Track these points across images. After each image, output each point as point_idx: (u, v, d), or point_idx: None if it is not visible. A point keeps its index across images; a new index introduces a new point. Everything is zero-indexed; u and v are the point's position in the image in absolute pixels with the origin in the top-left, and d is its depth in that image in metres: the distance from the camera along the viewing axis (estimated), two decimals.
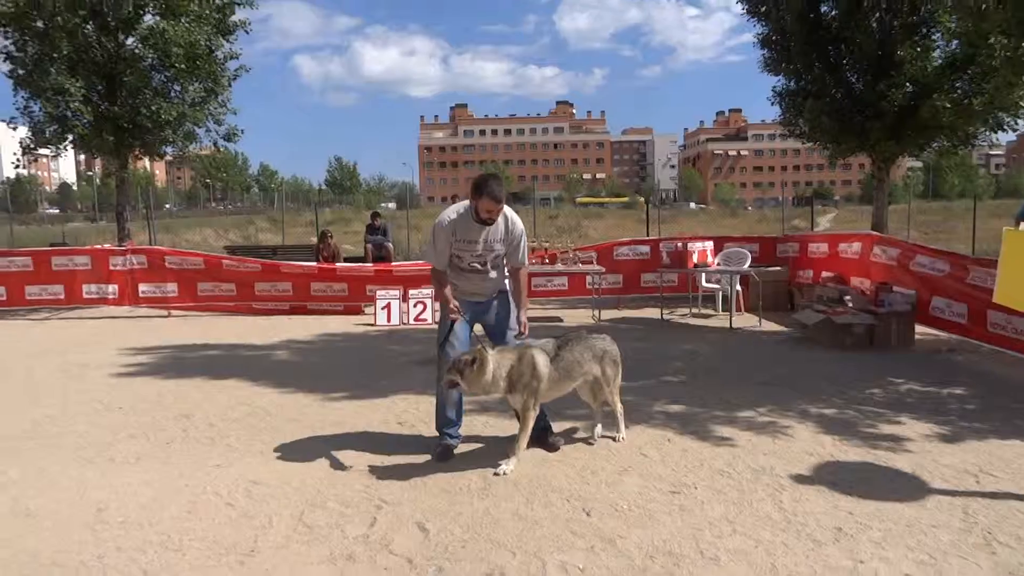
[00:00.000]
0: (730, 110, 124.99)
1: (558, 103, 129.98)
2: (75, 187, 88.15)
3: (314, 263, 11.38)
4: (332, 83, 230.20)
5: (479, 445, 4.47)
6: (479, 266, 4.17)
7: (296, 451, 4.42)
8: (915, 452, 4.20)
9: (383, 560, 3.02)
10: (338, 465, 4.14)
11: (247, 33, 12.41)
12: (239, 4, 12.04)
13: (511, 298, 4.33)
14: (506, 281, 4.35)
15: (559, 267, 9.90)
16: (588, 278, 10.34)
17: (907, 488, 3.67)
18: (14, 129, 12.13)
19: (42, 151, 12.20)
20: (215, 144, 13.06)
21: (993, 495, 3.57)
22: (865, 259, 8.70)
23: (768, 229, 25.71)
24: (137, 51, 11.43)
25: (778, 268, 10.23)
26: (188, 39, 10.96)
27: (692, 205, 76.27)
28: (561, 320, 9.75)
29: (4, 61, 11.38)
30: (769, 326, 8.85)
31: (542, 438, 4.32)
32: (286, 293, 10.58)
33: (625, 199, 76.79)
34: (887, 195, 12.42)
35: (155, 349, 8.03)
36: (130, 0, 10.95)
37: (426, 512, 3.47)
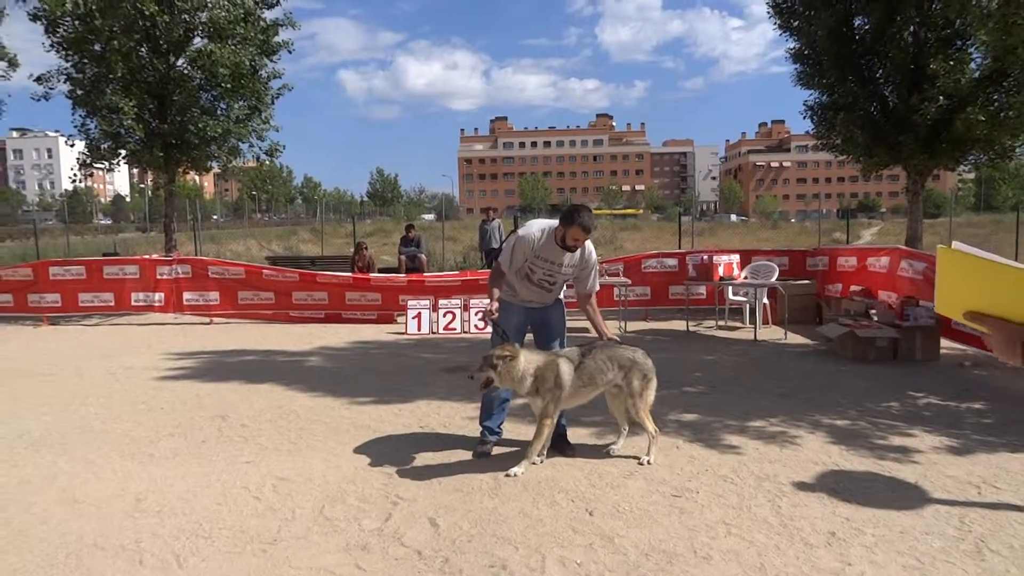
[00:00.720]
0: (773, 121, 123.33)
1: (598, 115, 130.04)
2: (128, 199, 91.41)
3: (349, 273, 11.74)
4: (376, 97, 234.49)
5: (497, 448, 4.66)
6: (547, 284, 4.42)
7: (321, 451, 4.68)
8: (921, 463, 4.25)
9: (395, 551, 3.24)
10: (359, 464, 4.38)
11: (290, 53, 12.95)
12: (282, 25, 12.57)
13: (590, 323, 4.56)
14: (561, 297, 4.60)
15: None
16: (615, 290, 10.46)
17: (907, 497, 3.75)
18: (72, 145, 12.83)
19: (97, 166, 12.90)
20: (258, 159, 13.61)
21: (993, 506, 3.62)
22: (893, 273, 8.66)
23: (807, 241, 25.40)
24: (186, 72, 12.03)
25: (806, 282, 10.22)
26: (234, 60, 11.50)
27: (733, 217, 75.44)
28: (588, 331, 9.86)
29: (64, 82, 12.09)
30: (794, 339, 8.86)
31: (558, 444, 4.49)
32: (322, 302, 10.96)
33: (639, 211, 76.19)
34: (921, 208, 12.26)
35: (196, 354, 8.44)
36: (181, 24, 11.55)
37: (438, 509, 3.68)
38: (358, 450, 4.67)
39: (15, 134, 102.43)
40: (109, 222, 64.67)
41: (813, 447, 4.59)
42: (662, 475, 4.10)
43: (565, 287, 4.66)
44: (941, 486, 3.88)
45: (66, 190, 66.75)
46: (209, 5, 11.41)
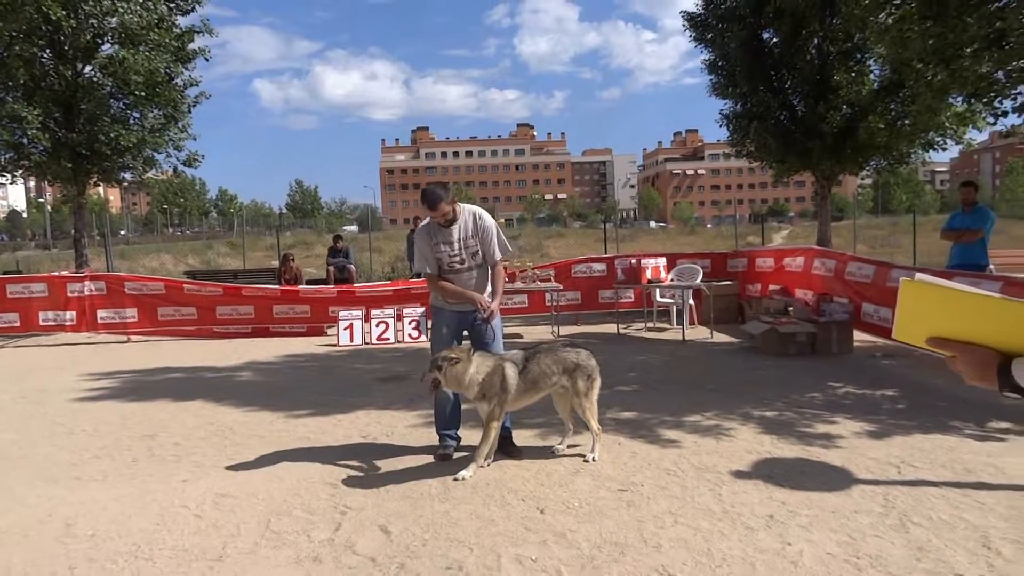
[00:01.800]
0: (687, 131, 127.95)
1: (519, 125, 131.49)
2: (24, 214, 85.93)
3: (276, 286, 11.44)
4: (293, 107, 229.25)
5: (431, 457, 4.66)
6: (458, 264, 4.42)
7: (262, 465, 4.56)
8: (845, 448, 4.53)
9: (347, 560, 3.20)
10: (303, 476, 4.30)
11: (206, 60, 12.55)
12: (198, 32, 12.17)
13: (491, 294, 4.53)
14: (494, 297, 4.56)
15: (518, 285, 10.16)
16: (547, 295, 10.62)
17: (836, 479, 3.98)
18: None
19: None
20: (175, 170, 13.10)
21: (912, 483, 3.90)
22: (807, 272, 9.16)
23: (723, 245, 26.43)
24: (95, 79, 11.47)
25: (729, 282, 10.66)
26: (148, 67, 11.04)
27: (652, 224, 77.64)
28: (521, 336, 9.99)
29: None
30: (720, 338, 9.22)
31: (504, 446, 4.53)
32: (248, 316, 10.64)
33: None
34: (830, 211, 13.03)
35: (116, 374, 8.04)
36: (88, 30, 11.02)
37: (388, 516, 3.65)
38: (300, 462, 4.57)
39: None
40: (5, 239, 60.60)
41: (746, 437, 4.81)
42: (607, 471, 4.21)
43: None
44: (865, 467, 4.14)
45: None
46: (120, 10, 10.91)
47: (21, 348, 10.49)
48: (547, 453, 4.59)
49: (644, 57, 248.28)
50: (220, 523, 3.64)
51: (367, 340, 9.82)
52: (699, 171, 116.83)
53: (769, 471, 4.12)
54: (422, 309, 10.09)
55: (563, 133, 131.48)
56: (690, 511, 3.58)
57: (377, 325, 9.92)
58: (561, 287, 10.30)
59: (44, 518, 3.78)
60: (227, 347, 9.80)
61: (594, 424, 4.44)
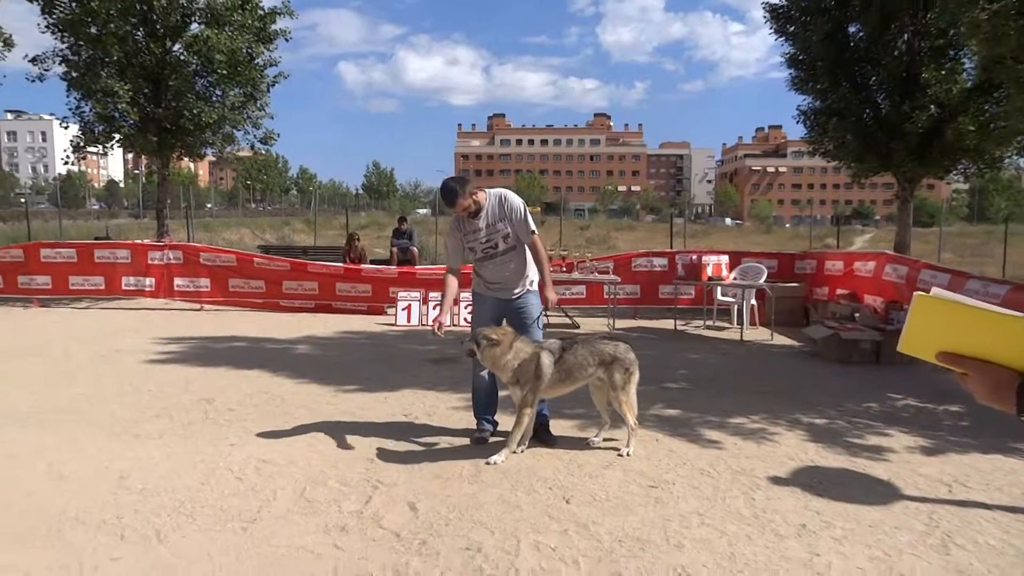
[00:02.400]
0: (770, 126, 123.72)
1: (596, 115, 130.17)
2: (122, 184, 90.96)
3: (341, 264, 11.76)
4: (375, 90, 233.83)
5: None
6: (492, 249, 4.43)
7: (305, 435, 4.73)
8: (895, 462, 4.33)
9: (372, 532, 3.29)
10: (342, 449, 4.43)
11: (287, 41, 12.97)
12: (280, 14, 12.58)
13: (537, 281, 4.54)
14: (532, 281, 4.55)
15: (576, 275, 10.12)
16: (605, 288, 10.53)
17: (879, 493, 3.82)
18: (66, 128, 12.80)
19: (90, 149, 12.87)
20: (252, 147, 13.62)
21: (962, 503, 3.70)
22: (878, 278, 8.77)
23: (799, 246, 25.51)
24: (182, 57, 12.02)
25: (795, 284, 10.31)
26: (230, 46, 11.49)
27: (727, 221, 75.72)
28: (578, 327, 9.96)
29: (60, 64, 12.06)
30: (781, 340, 8.95)
31: (540, 434, 4.55)
32: (312, 292, 10.98)
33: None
34: (911, 216, 12.39)
35: (185, 339, 8.46)
36: (178, 9, 11.54)
37: (418, 493, 3.73)
38: (342, 435, 4.71)
39: (10, 116, 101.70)
40: (102, 207, 64.37)
41: (791, 444, 4.67)
42: (640, 466, 4.17)
43: (526, 266, 4.53)
44: (913, 483, 3.96)
45: (59, 174, 66.40)
46: None
47: (104, 310, 11.16)
48: (582, 444, 4.58)
49: (730, 49, 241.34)
50: (258, 487, 3.80)
51: (424, 321, 9.98)
52: (780, 168, 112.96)
53: (809, 480, 3.99)
54: None
55: (640, 125, 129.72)
56: (719, 513, 3.51)
57: (434, 307, 10.05)
58: (619, 280, 10.19)
59: (101, 469, 4.04)
60: (290, 320, 10.15)
61: (630, 419, 4.40)
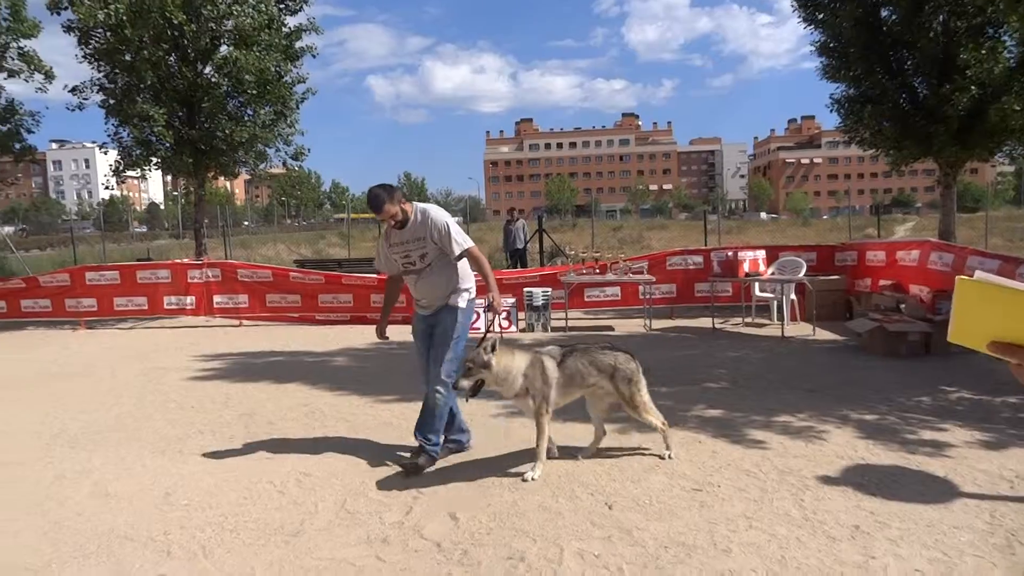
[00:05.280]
0: (802, 117, 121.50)
1: (624, 115, 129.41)
2: (162, 206, 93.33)
3: (375, 275, 11.83)
4: (404, 101, 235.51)
5: (513, 445, 4.67)
6: (410, 265, 4.31)
7: (345, 447, 4.74)
8: (952, 457, 4.16)
9: (414, 543, 3.27)
10: (381, 460, 4.43)
11: (314, 57, 13.14)
12: (305, 31, 12.77)
13: (466, 298, 4.35)
14: (459, 295, 4.31)
15: (610, 277, 10.02)
16: (640, 288, 10.41)
17: (935, 491, 3.67)
18: (105, 153, 13.16)
19: (129, 173, 13.21)
20: (284, 163, 13.83)
21: None
22: (923, 266, 8.50)
23: (839, 238, 24.96)
24: (213, 79, 12.26)
25: (835, 277, 10.05)
26: (259, 66, 11.69)
27: (762, 215, 74.53)
28: (612, 329, 9.87)
29: (97, 92, 12.42)
30: (823, 335, 8.72)
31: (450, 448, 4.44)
32: (347, 304, 11.07)
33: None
34: (955, 202, 11.99)
35: (225, 355, 8.59)
36: (207, 32, 11.79)
37: (458, 503, 3.70)
38: (381, 446, 4.72)
39: (54, 145, 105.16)
40: (144, 229, 66.13)
41: (839, 442, 4.52)
42: (683, 469, 4.08)
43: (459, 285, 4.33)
44: (972, 480, 3.80)
45: (102, 199, 68.44)
46: (234, 13, 11.62)
47: (148, 329, 11.41)
48: (619, 447, 4.49)
49: (759, 41, 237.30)
50: (300, 500, 3.82)
51: (490, 327, 9.95)
52: (815, 159, 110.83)
53: (860, 478, 3.86)
54: (513, 300, 10.14)
55: (669, 122, 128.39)
56: (767, 516, 3.41)
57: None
58: (654, 279, 10.06)
59: (147, 486, 4.10)
60: (327, 333, 10.24)
61: (656, 422, 4.25)
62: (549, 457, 4.17)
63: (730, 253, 9.47)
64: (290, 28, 12.62)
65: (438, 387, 4.19)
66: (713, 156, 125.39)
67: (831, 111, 12.30)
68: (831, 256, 10.76)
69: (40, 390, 6.94)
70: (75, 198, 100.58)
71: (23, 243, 35.33)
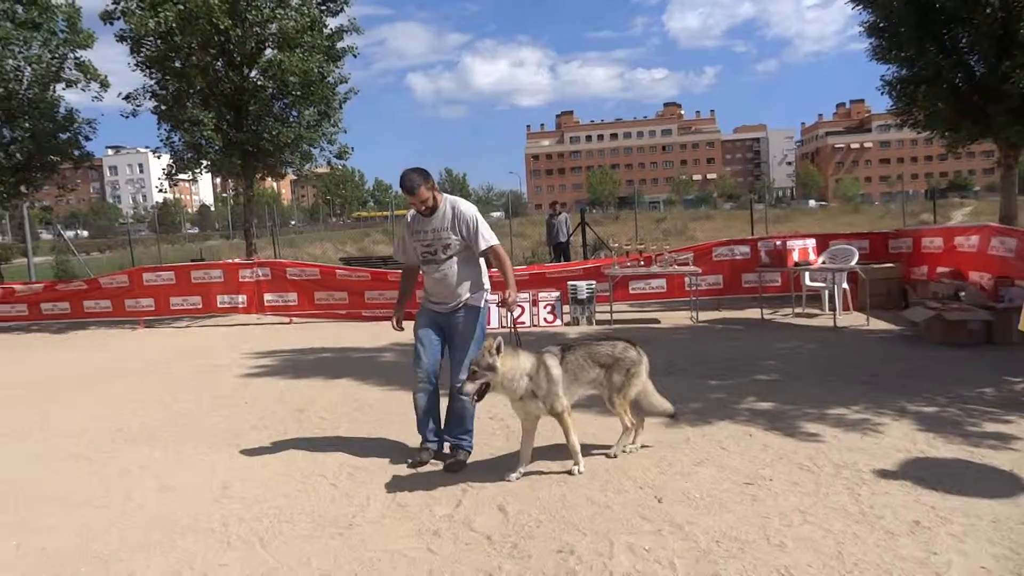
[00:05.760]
0: (852, 101, 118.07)
1: (665, 105, 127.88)
2: (212, 208, 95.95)
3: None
4: (444, 97, 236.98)
5: (560, 439, 4.67)
6: (431, 255, 4.24)
7: (395, 440, 4.82)
8: (1019, 451, 4.00)
9: (464, 536, 3.30)
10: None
11: (355, 57, 13.30)
12: (347, 31, 12.93)
13: (484, 298, 4.35)
14: (479, 294, 4.32)
15: (654, 269, 9.91)
16: (686, 279, 10.28)
17: (1001, 486, 3.54)
18: (158, 157, 13.58)
19: (181, 176, 13.61)
20: (329, 163, 14.06)
21: None
22: (983, 252, 8.17)
23: (892, 225, 24.23)
24: (259, 82, 12.52)
25: (889, 265, 9.76)
26: (302, 68, 11.89)
27: (811, 203, 72.83)
28: (658, 322, 9.77)
29: (149, 99, 12.81)
30: (877, 325, 8.47)
31: (452, 457, 4.29)
32: (393, 300, 11.09)
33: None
34: (1016, 184, 11.50)
35: (277, 352, 8.79)
36: (252, 37, 12.04)
37: (507, 496, 3.72)
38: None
39: (110, 151, 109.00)
40: (196, 231, 68.12)
41: (897, 434, 4.39)
42: (734, 463, 4.02)
43: (481, 287, 4.35)
44: None
45: (156, 202, 70.66)
46: (278, 16, 11.84)
47: (202, 328, 11.75)
48: (668, 441, 4.45)
49: (805, 24, 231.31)
50: (352, 493, 3.89)
51: (503, 323, 10.01)
52: (865, 144, 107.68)
53: (920, 472, 3.74)
54: (557, 294, 10.13)
55: (712, 111, 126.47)
56: (822, 510, 3.33)
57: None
58: (700, 271, 9.92)
59: (206, 479, 4.23)
60: (374, 329, 10.37)
61: (626, 419, 4.18)
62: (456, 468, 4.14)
63: (778, 242, 9.28)
64: (331, 29, 12.80)
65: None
66: (758, 144, 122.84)
67: (882, 93, 11.90)
68: (884, 243, 10.44)
69: (103, 387, 7.22)
70: (131, 202, 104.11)
71: (84, 246, 36.75)
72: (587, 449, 4.30)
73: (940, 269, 8.94)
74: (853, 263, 9.20)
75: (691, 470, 3.94)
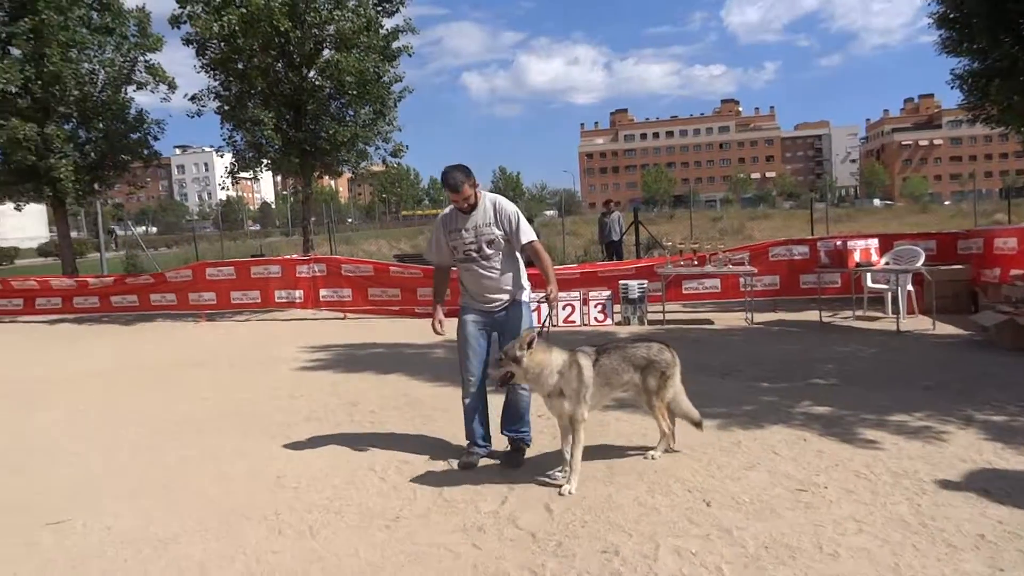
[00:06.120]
0: (920, 96, 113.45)
1: (723, 101, 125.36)
2: (273, 206, 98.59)
3: None
4: (499, 96, 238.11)
5: (609, 439, 4.64)
6: (474, 253, 4.17)
7: (443, 436, 4.86)
8: None
9: (509, 533, 3.31)
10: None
11: (410, 56, 13.49)
12: (402, 31, 13.12)
13: (527, 294, 4.29)
14: (524, 291, 4.30)
15: (708, 269, 9.74)
16: (741, 280, 10.06)
17: None
18: (221, 156, 14.05)
19: (242, 174, 14.04)
20: (384, 161, 14.29)
21: None
22: None
23: (963, 225, 23.20)
24: (317, 82, 12.83)
25: (958, 267, 9.34)
26: (358, 67, 12.13)
27: (876, 202, 70.35)
28: (712, 323, 9.59)
29: (213, 100, 13.28)
30: (944, 329, 8.12)
31: (511, 455, 4.26)
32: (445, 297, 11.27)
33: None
34: None
35: (331, 347, 8.98)
36: (311, 38, 12.34)
37: (553, 494, 3.72)
38: None
39: (178, 151, 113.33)
40: (258, 227, 70.11)
41: (962, 443, 4.20)
42: (786, 468, 3.91)
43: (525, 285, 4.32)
44: None
45: (220, 200, 73.03)
46: (335, 18, 12.10)
47: (261, 322, 12.10)
48: (720, 444, 4.37)
49: (871, 17, 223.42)
50: (400, 487, 3.95)
51: (553, 322, 9.99)
52: (934, 141, 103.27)
53: (986, 484, 3.57)
54: (608, 292, 10.06)
55: (772, 107, 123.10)
56: (879, 520, 3.22)
57: (563, 308, 10.05)
58: (755, 271, 9.70)
59: (261, 469, 4.36)
60: (426, 325, 10.40)
61: (664, 424, 4.11)
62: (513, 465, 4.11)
63: (838, 242, 8.98)
64: (387, 30, 13.01)
65: (523, 386, 4.10)
66: (820, 141, 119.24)
67: (952, 88, 11.46)
68: (953, 244, 10.00)
69: (167, 378, 7.51)
70: (196, 199, 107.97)
71: (152, 241, 38.27)
72: (622, 451, 4.29)
73: (1014, 272, 8.49)
74: (919, 264, 8.84)
75: (741, 474, 3.86)
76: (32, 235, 50.23)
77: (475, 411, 4.30)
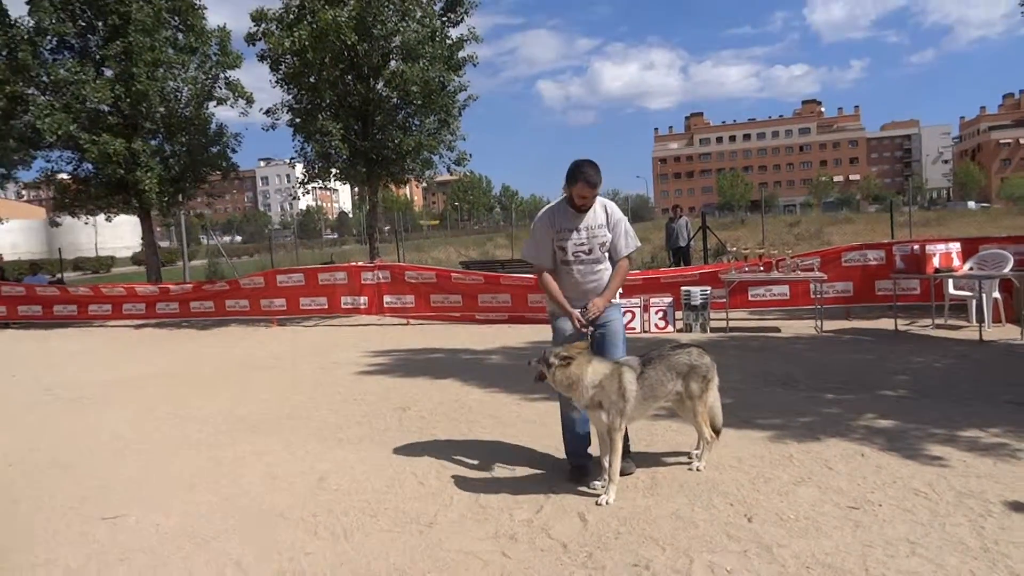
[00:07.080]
0: (1022, 91, 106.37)
1: (804, 102, 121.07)
2: (350, 215, 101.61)
3: (532, 275, 12.01)
4: (572, 103, 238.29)
5: (656, 447, 4.52)
6: (584, 255, 4.03)
7: (487, 442, 4.85)
8: None
9: (541, 542, 3.26)
10: (520, 457, 4.47)
11: (474, 66, 13.63)
12: (467, 41, 13.28)
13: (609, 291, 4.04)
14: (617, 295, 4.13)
15: (775, 275, 9.38)
16: (812, 286, 9.64)
17: None
18: (293, 167, 14.55)
19: (312, 184, 14.51)
20: (448, 169, 14.47)
21: None
22: None
23: None
24: (384, 93, 13.14)
25: None
26: (423, 77, 12.34)
27: (970, 204, 66.40)
28: (778, 331, 9.23)
29: (287, 113, 13.79)
30: None
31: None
32: (506, 304, 11.32)
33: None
34: None
35: (391, 352, 9.13)
36: (378, 50, 12.65)
37: (589, 504, 3.64)
38: (522, 443, 4.76)
39: (262, 163, 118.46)
40: (335, 236, 72.41)
41: None
42: (839, 484, 3.70)
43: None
44: None
45: (300, 210, 75.78)
46: (401, 29, 12.36)
47: (327, 327, 12.43)
48: (770, 456, 4.18)
49: (967, 9, 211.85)
50: (438, 492, 3.96)
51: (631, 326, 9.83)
52: None
53: None
54: (670, 299, 9.83)
55: (856, 107, 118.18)
56: (935, 542, 3.00)
57: (624, 314, 9.87)
58: (825, 277, 9.28)
59: (307, 470, 4.46)
60: (486, 332, 10.54)
61: (706, 431, 3.96)
62: (624, 473, 3.93)
63: (916, 247, 8.48)
64: (452, 40, 13.19)
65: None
66: (909, 141, 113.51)
67: None
68: None
69: (234, 380, 7.81)
70: (279, 209, 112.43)
71: (236, 251, 40.06)
72: (668, 462, 4.16)
73: None
74: (1006, 270, 8.25)
75: (789, 489, 3.68)
76: (128, 244, 53.37)
77: (576, 426, 4.13)
